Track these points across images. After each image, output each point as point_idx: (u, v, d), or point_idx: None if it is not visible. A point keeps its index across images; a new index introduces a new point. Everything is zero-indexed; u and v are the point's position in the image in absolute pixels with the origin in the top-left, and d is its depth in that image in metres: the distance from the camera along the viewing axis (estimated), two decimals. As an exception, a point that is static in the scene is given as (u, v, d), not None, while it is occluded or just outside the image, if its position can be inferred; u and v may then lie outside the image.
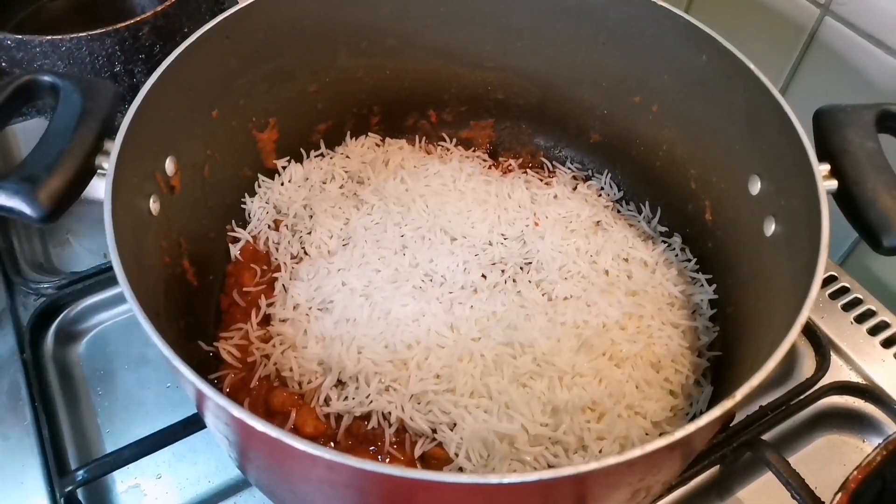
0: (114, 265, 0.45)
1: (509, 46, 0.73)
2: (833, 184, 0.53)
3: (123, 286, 0.44)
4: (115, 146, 0.50)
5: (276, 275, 0.68)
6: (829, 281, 0.80)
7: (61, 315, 0.76)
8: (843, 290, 0.79)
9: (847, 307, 0.78)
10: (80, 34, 0.72)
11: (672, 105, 0.67)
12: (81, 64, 0.74)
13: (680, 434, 0.38)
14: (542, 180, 0.78)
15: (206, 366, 0.64)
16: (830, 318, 0.77)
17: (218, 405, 0.40)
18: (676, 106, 0.67)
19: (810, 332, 0.74)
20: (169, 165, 0.59)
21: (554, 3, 0.68)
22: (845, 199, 0.53)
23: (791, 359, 0.75)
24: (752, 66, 0.57)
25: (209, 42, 0.59)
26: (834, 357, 0.74)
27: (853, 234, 0.53)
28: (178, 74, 0.57)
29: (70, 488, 0.60)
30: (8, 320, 0.74)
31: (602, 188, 0.78)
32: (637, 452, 0.37)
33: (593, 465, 0.37)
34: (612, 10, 0.66)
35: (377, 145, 0.79)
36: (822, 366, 0.72)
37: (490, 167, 0.79)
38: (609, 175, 0.78)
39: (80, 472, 0.60)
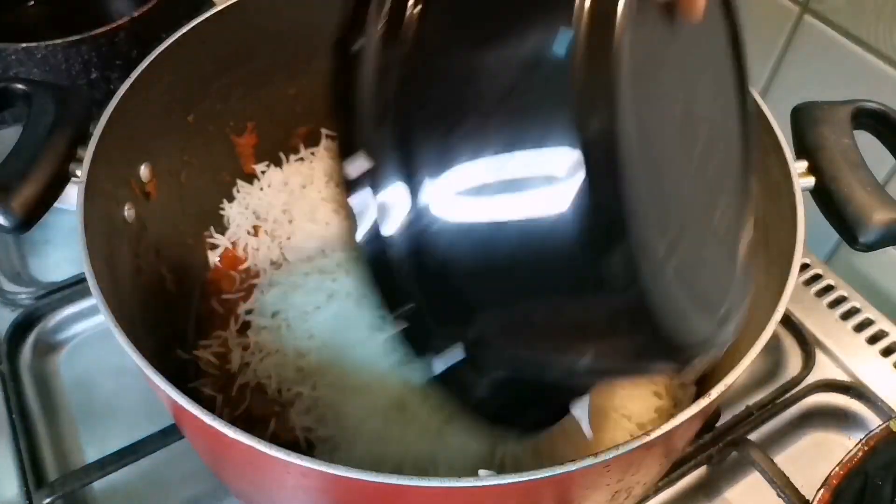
0: (86, 273, 0.44)
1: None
2: (810, 181, 0.53)
3: (95, 295, 0.43)
4: (87, 153, 0.49)
5: (254, 281, 0.68)
6: (813, 279, 0.80)
7: (39, 326, 0.75)
8: (828, 288, 0.79)
9: (832, 305, 0.78)
10: (56, 41, 0.71)
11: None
12: (57, 71, 0.73)
13: (655, 433, 0.38)
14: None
15: (186, 374, 0.63)
16: (815, 316, 0.77)
17: (192, 414, 0.40)
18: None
19: (795, 330, 0.74)
20: (144, 172, 0.58)
21: None
22: (822, 196, 0.53)
23: (777, 357, 0.75)
24: (728, 65, 0.56)
25: (183, 47, 0.59)
26: (819, 355, 0.74)
27: (837, 232, 0.53)
28: (152, 80, 0.56)
29: (48, 500, 0.59)
30: (-16, 332, 0.74)
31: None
32: (612, 453, 0.37)
33: (569, 467, 0.36)
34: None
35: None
36: (808, 364, 0.72)
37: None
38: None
39: (59, 484, 0.59)
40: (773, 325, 0.43)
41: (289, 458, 0.37)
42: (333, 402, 0.57)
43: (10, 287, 0.77)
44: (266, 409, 0.59)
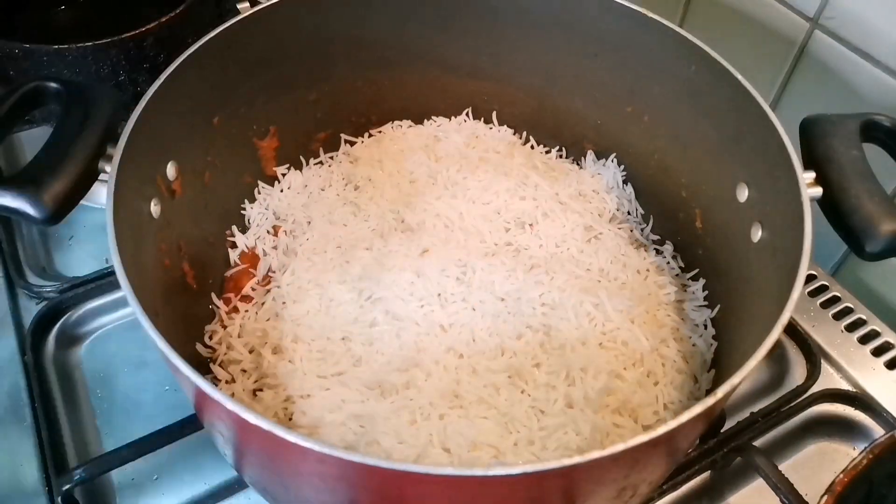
0: (115, 266, 0.46)
1: (503, 57, 0.75)
2: (818, 191, 0.54)
3: (124, 287, 0.45)
4: (117, 151, 0.51)
5: (272, 276, 0.69)
6: (820, 290, 0.81)
7: (62, 319, 0.77)
8: (835, 300, 0.80)
9: (838, 316, 0.79)
10: (86, 44, 0.73)
11: (662, 115, 0.69)
12: (87, 73, 0.75)
13: (662, 430, 0.39)
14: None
15: (205, 368, 0.65)
16: (821, 326, 0.78)
17: (213, 399, 0.41)
18: (666, 116, 0.68)
19: (801, 340, 0.75)
20: (170, 170, 0.60)
21: (546, 16, 0.70)
22: (830, 206, 0.54)
23: (782, 366, 0.76)
24: (739, 76, 0.58)
25: (210, 52, 0.61)
26: (825, 365, 0.75)
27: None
28: (179, 82, 0.58)
29: (67, 487, 0.60)
30: (9, 324, 0.75)
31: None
32: (620, 447, 0.38)
33: (577, 460, 0.38)
34: (602, 21, 0.67)
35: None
36: (813, 373, 0.73)
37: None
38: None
39: (78, 472, 0.61)
40: (778, 328, 0.44)
41: (306, 443, 0.38)
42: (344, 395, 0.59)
43: (35, 280, 0.79)
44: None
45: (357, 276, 0.67)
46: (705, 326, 0.66)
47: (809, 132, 0.57)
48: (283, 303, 0.66)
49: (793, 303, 0.45)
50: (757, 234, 0.58)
